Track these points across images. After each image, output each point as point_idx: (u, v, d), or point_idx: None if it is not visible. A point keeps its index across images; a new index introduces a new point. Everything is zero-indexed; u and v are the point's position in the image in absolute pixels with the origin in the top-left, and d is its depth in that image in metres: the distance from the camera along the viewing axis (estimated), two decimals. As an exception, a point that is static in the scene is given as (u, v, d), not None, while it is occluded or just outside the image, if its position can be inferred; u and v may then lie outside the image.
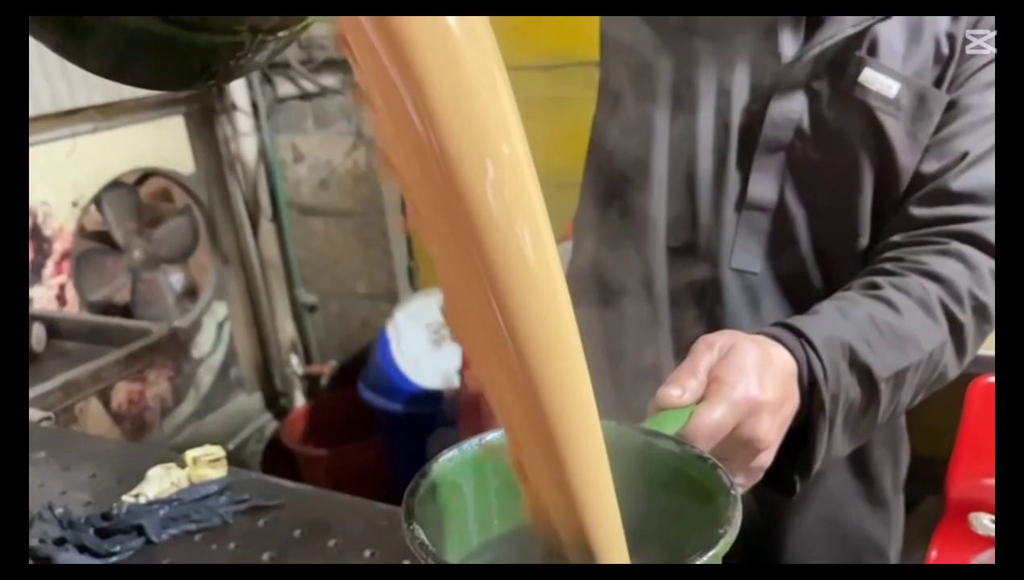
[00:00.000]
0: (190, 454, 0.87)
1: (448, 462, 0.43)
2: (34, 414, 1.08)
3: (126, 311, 2.22)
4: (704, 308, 0.77)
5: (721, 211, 0.75)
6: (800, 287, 0.76)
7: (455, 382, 1.99)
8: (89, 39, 0.36)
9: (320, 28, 2.27)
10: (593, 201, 0.85)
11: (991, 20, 0.71)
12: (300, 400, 2.62)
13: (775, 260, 0.76)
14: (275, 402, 2.66)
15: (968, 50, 0.70)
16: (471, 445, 0.44)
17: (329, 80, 2.34)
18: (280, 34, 0.40)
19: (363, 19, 0.29)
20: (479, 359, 0.34)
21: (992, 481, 1.12)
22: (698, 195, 0.76)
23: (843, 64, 0.71)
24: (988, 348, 1.38)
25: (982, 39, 0.71)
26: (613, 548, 0.37)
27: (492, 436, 0.44)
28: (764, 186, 0.74)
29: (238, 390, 2.58)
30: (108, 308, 2.20)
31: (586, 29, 0.91)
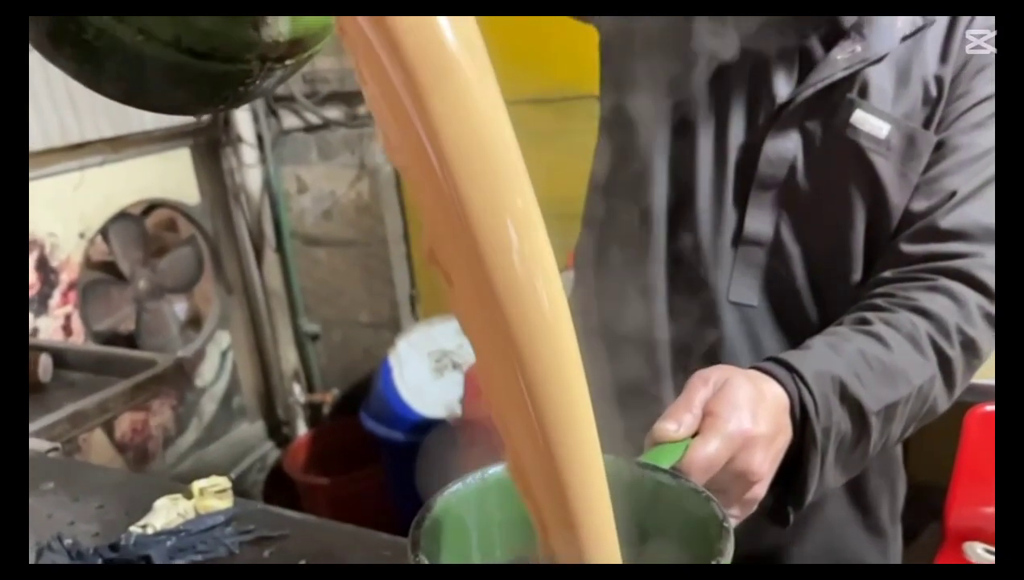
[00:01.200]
0: (196, 485, 0.89)
1: (452, 495, 0.45)
2: (42, 445, 1.10)
3: (130, 340, 2.24)
4: (703, 340, 0.78)
5: (719, 245, 0.77)
6: (797, 320, 0.78)
7: (457, 411, 2.00)
8: (106, 66, 0.39)
9: (325, 62, 2.32)
10: (594, 233, 0.88)
11: (975, 66, 0.73)
12: (302, 429, 2.63)
13: (772, 293, 0.78)
14: (277, 431, 2.67)
15: (968, 50, 0.73)
16: (475, 479, 0.46)
17: (333, 113, 2.38)
18: (287, 62, 0.42)
19: (391, 71, 0.31)
20: (492, 390, 0.36)
21: (990, 509, 1.13)
22: (698, 230, 0.78)
23: (835, 105, 0.73)
24: (985, 377, 1.39)
25: (982, 39, 0.73)
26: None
27: (494, 470, 0.46)
28: (760, 222, 0.76)
29: (240, 419, 2.59)
30: (113, 338, 2.22)
31: (588, 63, 0.94)
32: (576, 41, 0.96)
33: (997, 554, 0.51)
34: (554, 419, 0.34)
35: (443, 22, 0.30)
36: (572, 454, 0.35)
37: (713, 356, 0.77)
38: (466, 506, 0.45)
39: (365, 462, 2.27)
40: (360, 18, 0.30)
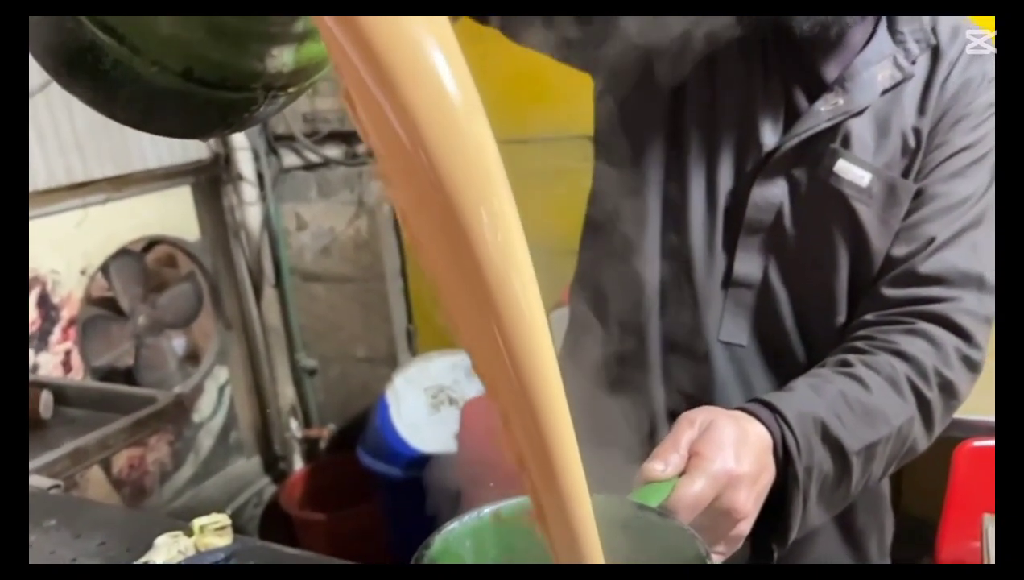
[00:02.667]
0: (197, 522, 0.90)
1: (450, 534, 0.47)
2: (43, 482, 1.11)
3: (128, 375, 2.25)
4: (695, 377, 0.81)
5: (709, 287, 0.80)
6: (785, 359, 0.80)
7: (453, 446, 2.01)
8: (119, 94, 0.42)
9: (325, 103, 2.36)
10: (589, 270, 0.90)
11: (952, 118, 0.76)
12: (299, 464, 2.63)
13: (761, 334, 0.80)
14: (274, 466, 2.67)
15: (968, 50, 0.76)
16: (471, 517, 0.48)
17: (332, 152, 2.42)
18: (290, 90, 0.45)
19: (371, 87, 0.32)
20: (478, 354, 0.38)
21: (979, 543, 1.15)
22: (690, 272, 0.80)
23: (819, 155, 0.76)
24: (973, 413, 1.42)
25: (982, 39, 0.75)
26: None
27: (491, 509, 0.48)
28: (749, 264, 0.79)
29: (237, 454, 2.59)
30: (111, 373, 2.24)
31: (582, 104, 0.97)
32: (570, 84, 0.98)
33: (997, 527, 0.52)
34: (536, 396, 0.37)
35: (415, 22, 0.31)
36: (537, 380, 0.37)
37: (704, 393, 0.80)
38: (463, 544, 0.47)
39: (362, 498, 2.28)
40: (329, 20, 0.32)
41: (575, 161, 2.01)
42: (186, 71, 0.40)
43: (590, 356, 0.84)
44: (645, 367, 0.82)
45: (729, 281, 0.79)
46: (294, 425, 2.62)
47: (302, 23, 0.41)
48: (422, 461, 2.07)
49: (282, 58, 0.42)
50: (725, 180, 0.79)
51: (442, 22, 0.33)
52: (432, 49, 0.32)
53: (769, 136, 0.78)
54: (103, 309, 2.22)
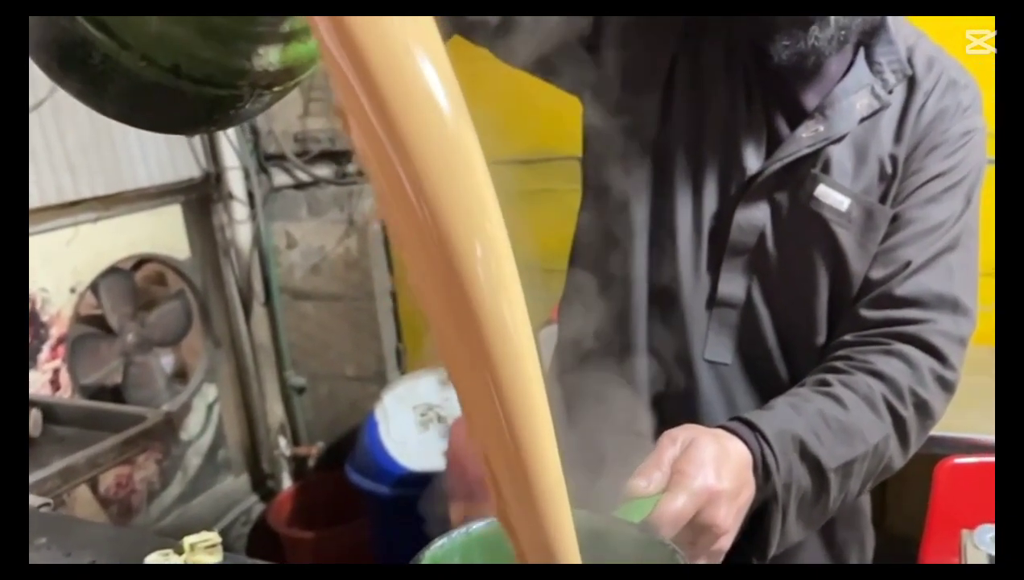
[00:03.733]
0: (187, 540, 0.91)
1: (439, 549, 0.48)
2: (33, 500, 1.11)
3: (116, 393, 2.25)
4: (681, 394, 0.83)
5: (695, 307, 0.82)
6: (767, 377, 0.82)
7: (442, 464, 2.01)
8: (109, 89, 0.43)
9: (316, 123, 2.39)
10: (578, 289, 0.92)
11: (927, 146, 0.79)
12: (287, 482, 2.63)
13: (744, 352, 0.82)
14: (262, 484, 2.67)
15: (968, 50, 0.77)
16: (460, 533, 0.49)
17: (323, 171, 2.44)
18: (275, 89, 0.47)
19: (368, 110, 0.33)
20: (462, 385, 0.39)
21: (958, 560, 1.17)
22: (677, 292, 0.82)
23: (801, 179, 0.79)
24: (953, 430, 1.43)
25: (982, 39, 0.77)
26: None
27: (478, 525, 0.49)
28: (733, 285, 0.81)
29: (225, 472, 2.59)
30: (99, 392, 2.23)
31: (568, 126, 0.99)
32: (558, 105, 0.99)
33: (997, 554, 0.54)
34: (517, 413, 0.37)
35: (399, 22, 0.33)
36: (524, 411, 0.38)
37: (690, 409, 0.82)
38: (451, 561, 0.48)
39: (350, 516, 2.28)
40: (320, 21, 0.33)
41: (562, 182, 2.04)
42: (174, 67, 0.41)
43: (578, 374, 0.86)
44: (632, 384, 0.84)
45: (714, 301, 0.81)
46: (282, 443, 2.62)
47: (288, 24, 0.43)
48: (410, 479, 2.07)
49: (268, 57, 0.44)
50: (710, 203, 0.81)
51: (436, 43, 0.34)
52: (425, 72, 0.33)
53: (752, 161, 0.80)
54: (92, 327, 2.22)
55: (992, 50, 0.75)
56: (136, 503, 2.26)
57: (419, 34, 0.34)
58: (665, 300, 0.83)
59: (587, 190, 0.92)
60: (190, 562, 0.89)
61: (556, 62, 0.85)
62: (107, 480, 2.14)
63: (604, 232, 0.87)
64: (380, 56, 0.32)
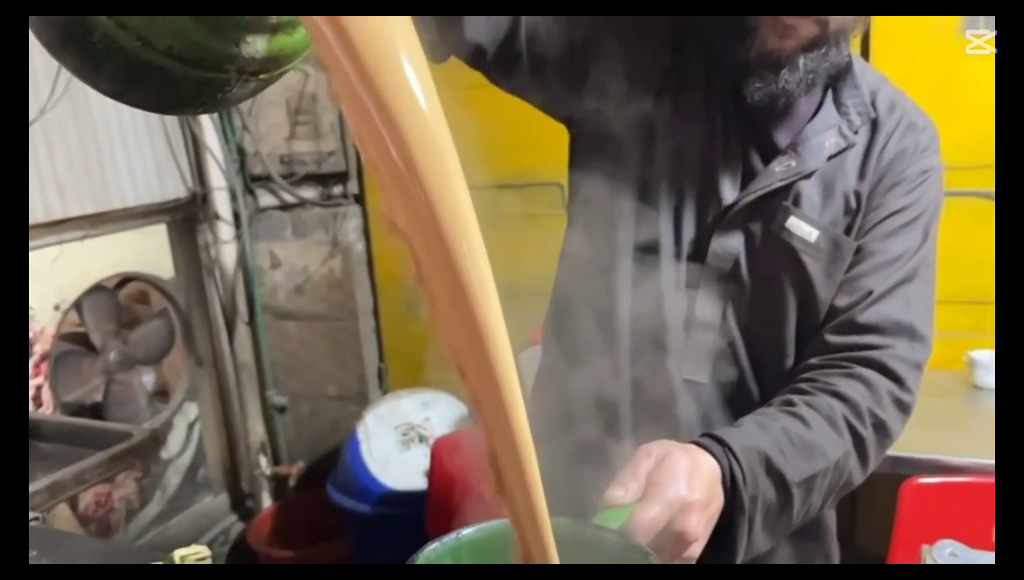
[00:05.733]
0: (177, 553, 0.94)
1: (431, 553, 0.52)
2: (22, 515, 1.13)
3: (95, 410, 2.25)
4: (659, 412, 0.87)
5: (674, 328, 0.86)
6: (741, 397, 0.87)
7: (423, 484, 2.04)
8: (104, 66, 0.46)
9: (303, 146, 2.43)
10: (563, 311, 0.96)
11: (887, 183, 0.84)
12: (267, 501, 2.64)
13: (719, 372, 0.87)
14: (241, 503, 2.67)
15: (968, 50, 0.81)
16: (450, 538, 0.53)
17: (308, 193, 2.48)
18: (261, 76, 0.50)
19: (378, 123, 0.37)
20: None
21: None
22: (659, 314, 0.86)
23: (773, 211, 0.84)
24: (916, 451, 1.48)
25: (982, 39, 0.79)
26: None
27: (468, 531, 0.53)
28: (709, 308, 0.86)
29: (205, 492, 2.59)
30: (79, 409, 2.23)
31: (553, 152, 1.03)
32: (542, 132, 1.04)
33: (997, 526, 0.57)
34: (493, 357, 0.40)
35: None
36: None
37: (668, 426, 0.86)
38: (443, 563, 0.52)
39: (330, 535, 2.29)
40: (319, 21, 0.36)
41: (544, 206, 2.09)
42: (167, 48, 0.45)
43: (562, 390, 0.90)
44: (614, 401, 0.88)
45: (691, 323, 0.86)
46: (263, 462, 2.63)
47: (275, 17, 0.46)
48: (392, 498, 2.10)
49: (256, 45, 0.47)
50: (688, 230, 0.86)
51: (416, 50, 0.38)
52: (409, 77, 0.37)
53: (728, 192, 0.85)
54: (74, 344, 2.23)
55: (992, 50, 0.77)
56: (115, 521, 2.26)
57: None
58: (646, 322, 0.87)
59: (572, 215, 0.96)
60: (181, 575, 0.91)
61: (547, 91, 0.90)
62: (86, 498, 2.14)
63: (588, 255, 0.91)
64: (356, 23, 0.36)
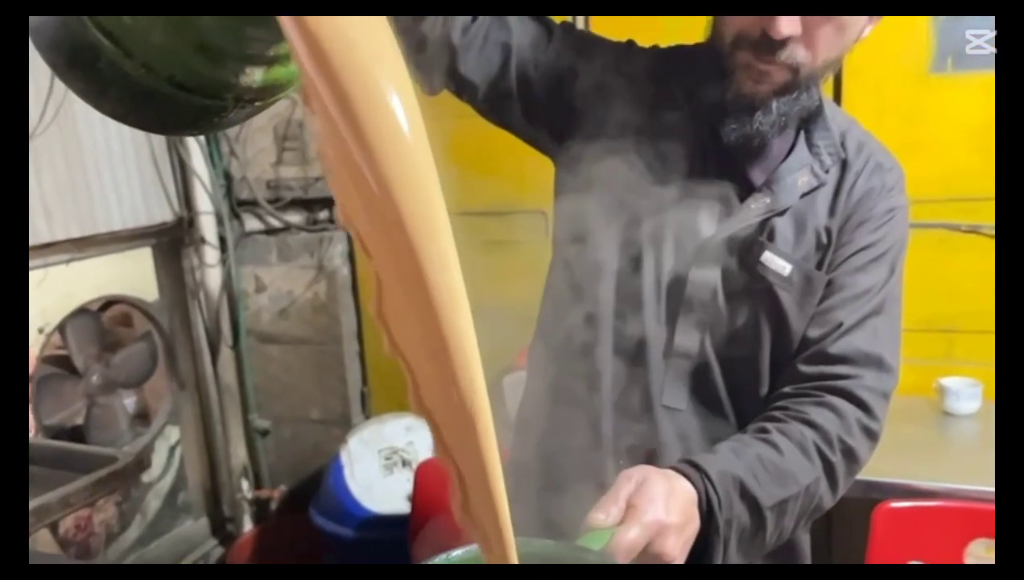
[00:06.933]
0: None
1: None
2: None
3: (75, 433, 2.24)
4: (641, 436, 0.90)
5: (655, 356, 0.90)
6: (718, 423, 0.90)
7: (406, 508, 2.05)
8: (109, 90, 0.49)
9: (289, 171, 2.46)
10: (548, 337, 0.98)
11: (856, 221, 0.88)
12: (248, 526, 2.63)
13: (697, 400, 0.90)
14: (221, 528, 2.66)
15: (968, 50, 0.83)
16: (440, 558, 0.56)
17: (294, 217, 2.50)
18: (256, 103, 0.53)
19: (349, 141, 0.37)
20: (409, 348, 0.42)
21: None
22: (642, 343, 0.89)
23: (749, 246, 0.88)
24: (888, 475, 1.52)
25: (982, 39, 0.81)
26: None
27: (457, 552, 0.56)
28: (688, 338, 0.89)
29: (185, 516, 2.58)
30: (59, 432, 2.23)
31: (536, 181, 1.06)
32: (526, 162, 1.06)
33: (997, 555, 0.59)
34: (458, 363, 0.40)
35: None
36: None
37: (648, 451, 0.89)
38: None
39: (311, 560, 2.29)
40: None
41: (527, 233, 2.13)
42: (170, 76, 0.48)
43: (546, 415, 0.93)
44: (597, 426, 0.91)
45: (671, 352, 0.89)
46: (245, 486, 2.62)
47: (274, 49, 0.50)
48: (375, 522, 2.11)
49: (253, 76, 0.50)
50: (668, 262, 0.89)
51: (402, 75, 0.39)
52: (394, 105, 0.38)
53: (706, 227, 0.89)
54: (57, 367, 2.23)
55: (992, 50, 0.79)
56: (95, 546, 2.25)
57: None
58: (629, 349, 0.90)
59: (557, 245, 0.99)
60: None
61: (535, 128, 0.94)
62: (67, 522, 2.13)
63: (573, 284, 0.94)
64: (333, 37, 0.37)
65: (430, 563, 0.56)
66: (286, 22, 0.38)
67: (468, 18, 0.88)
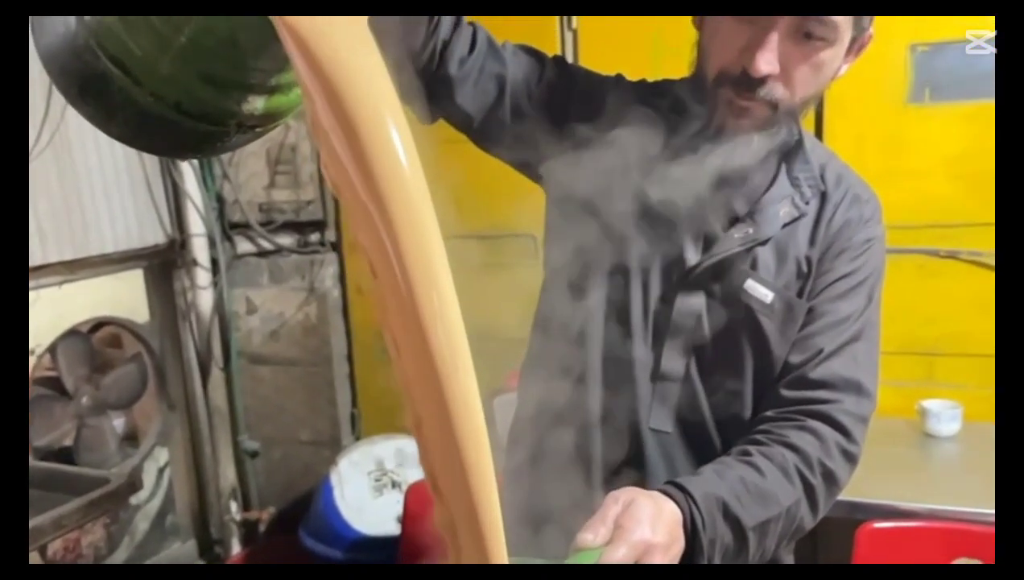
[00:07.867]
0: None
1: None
2: None
3: (63, 455, 2.24)
4: (628, 459, 0.92)
5: (642, 380, 0.92)
6: (703, 445, 0.92)
7: (396, 530, 2.06)
8: (118, 115, 0.52)
9: (281, 194, 2.48)
10: (537, 361, 1.01)
11: (835, 250, 0.91)
12: (236, 547, 2.62)
13: (683, 422, 0.92)
14: (209, 550, 2.65)
15: (968, 50, 0.84)
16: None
17: (286, 240, 2.53)
18: (257, 129, 0.56)
19: (356, 181, 0.40)
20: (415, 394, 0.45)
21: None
22: (629, 367, 0.92)
23: (732, 273, 0.90)
24: (870, 496, 1.55)
25: (982, 39, 0.82)
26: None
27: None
28: (673, 362, 0.92)
29: (173, 538, 2.57)
30: (48, 454, 2.23)
31: (526, 205, 1.07)
32: (517, 186, 1.08)
33: (997, 529, 0.60)
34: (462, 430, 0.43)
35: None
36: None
37: (636, 472, 0.91)
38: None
39: (300, 582, 2.29)
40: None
41: (517, 257, 2.16)
42: (176, 104, 0.51)
43: (536, 437, 0.95)
44: (585, 447, 0.93)
45: (657, 375, 0.92)
46: (233, 507, 2.62)
47: (275, 79, 0.52)
48: (365, 544, 2.11)
49: (255, 104, 0.53)
50: (655, 289, 0.92)
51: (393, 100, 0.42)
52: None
53: (691, 255, 0.92)
54: (47, 389, 2.23)
55: (992, 50, 0.80)
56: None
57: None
58: (617, 372, 0.92)
59: (548, 269, 1.01)
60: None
61: (528, 158, 0.97)
62: (55, 544, 2.13)
63: (564, 308, 0.96)
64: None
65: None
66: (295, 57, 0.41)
67: (465, 51, 0.91)
